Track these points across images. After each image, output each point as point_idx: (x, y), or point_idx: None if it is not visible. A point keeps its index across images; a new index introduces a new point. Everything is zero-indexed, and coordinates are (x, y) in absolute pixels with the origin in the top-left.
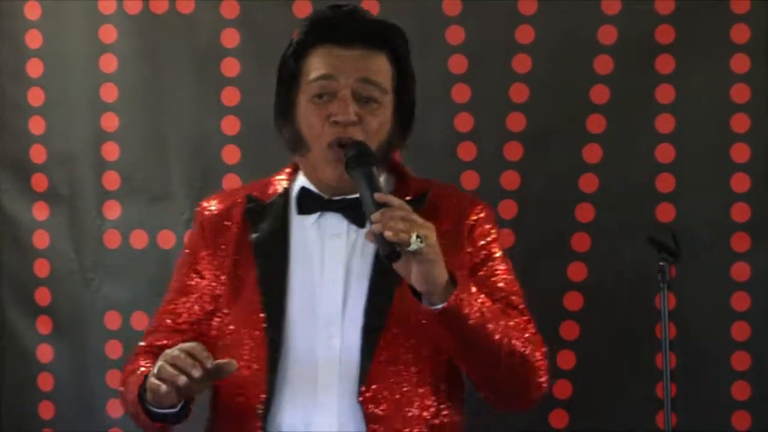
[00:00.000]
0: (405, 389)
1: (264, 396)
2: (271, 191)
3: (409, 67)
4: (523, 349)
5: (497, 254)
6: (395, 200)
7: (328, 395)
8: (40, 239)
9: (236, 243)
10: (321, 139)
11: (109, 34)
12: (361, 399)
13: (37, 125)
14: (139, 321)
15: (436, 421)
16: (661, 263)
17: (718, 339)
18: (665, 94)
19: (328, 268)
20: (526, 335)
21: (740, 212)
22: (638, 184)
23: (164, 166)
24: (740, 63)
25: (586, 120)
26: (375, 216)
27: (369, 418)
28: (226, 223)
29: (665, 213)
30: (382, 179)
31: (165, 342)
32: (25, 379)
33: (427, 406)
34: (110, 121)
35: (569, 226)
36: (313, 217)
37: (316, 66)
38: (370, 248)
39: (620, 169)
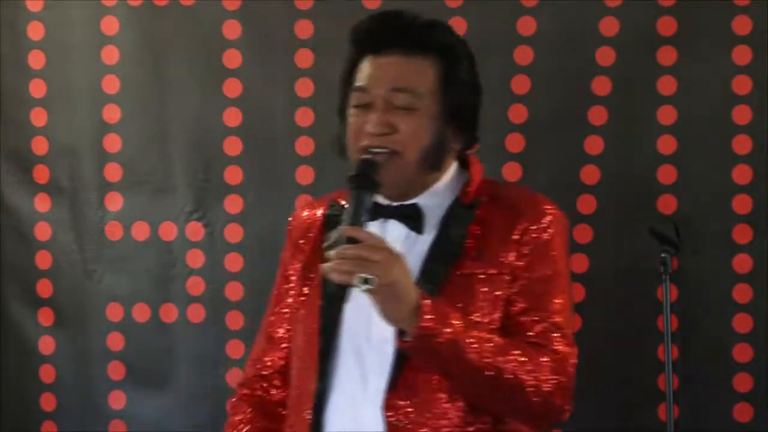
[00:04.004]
0: (436, 397)
1: (312, 404)
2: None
3: (459, 67)
4: (516, 374)
5: (546, 262)
6: (363, 234)
7: (377, 402)
8: (42, 231)
9: (312, 248)
10: (355, 145)
11: (111, 25)
12: (385, 408)
13: (38, 117)
14: (141, 313)
15: (472, 428)
16: (662, 255)
17: (720, 331)
18: (667, 85)
19: None
20: (538, 355)
21: (742, 204)
22: (640, 176)
23: (166, 158)
24: (742, 54)
25: (587, 111)
26: (330, 255)
27: (390, 427)
28: (309, 229)
29: (667, 205)
30: (448, 183)
31: (264, 380)
32: (26, 370)
33: (459, 412)
34: (112, 113)
35: (571, 217)
36: (377, 223)
37: (357, 77)
38: (422, 255)
39: (622, 160)
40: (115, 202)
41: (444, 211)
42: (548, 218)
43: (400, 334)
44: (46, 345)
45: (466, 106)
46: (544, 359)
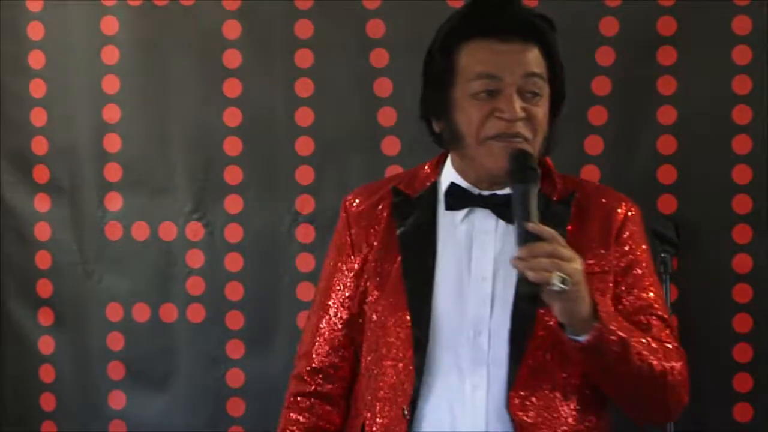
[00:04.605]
0: (552, 395)
1: (410, 398)
2: (418, 185)
3: (559, 57)
4: (663, 370)
5: (642, 259)
6: (546, 231)
7: (476, 397)
8: (42, 231)
9: (383, 237)
10: (481, 133)
11: (111, 25)
12: (509, 406)
13: (38, 117)
14: (141, 313)
15: (581, 426)
16: (662, 255)
17: (720, 331)
18: (667, 85)
19: (476, 265)
20: (668, 352)
21: (742, 204)
22: (640, 176)
23: (166, 158)
24: (742, 54)
25: (587, 111)
26: (521, 252)
27: (518, 426)
28: (373, 217)
29: (667, 205)
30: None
31: (318, 373)
32: (26, 370)
33: (573, 411)
34: (112, 113)
35: None
36: (462, 212)
37: (474, 62)
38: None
39: (622, 160)
40: (115, 202)
41: None
42: (635, 216)
43: (571, 333)
44: (46, 345)
45: (563, 95)
46: (676, 357)
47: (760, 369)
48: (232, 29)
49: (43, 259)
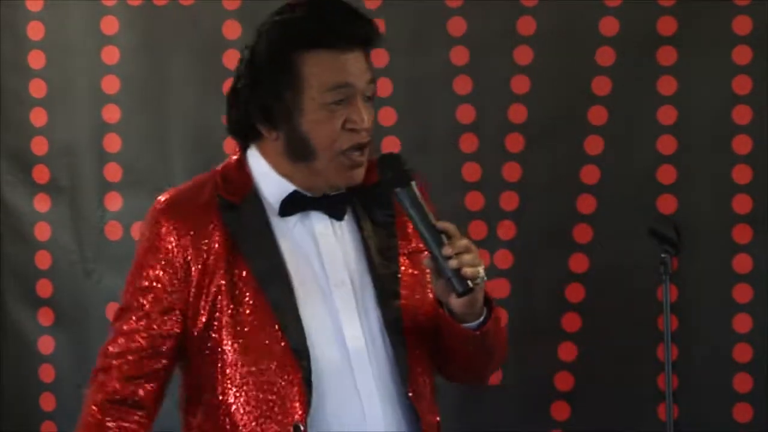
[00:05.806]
0: (425, 381)
1: (301, 412)
2: (240, 192)
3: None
4: (506, 336)
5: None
6: (451, 227)
7: (370, 397)
8: (42, 231)
9: (222, 250)
10: (335, 145)
11: (111, 25)
12: (413, 402)
13: (38, 117)
14: None
15: (436, 402)
16: (662, 255)
17: (720, 331)
18: (667, 85)
19: (330, 266)
20: None
21: (742, 204)
22: (640, 176)
23: (166, 158)
24: (742, 54)
25: (587, 111)
26: (447, 251)
27: (421, 418)
28: (201, 225)
29: (667, 204)
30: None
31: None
32: (26, 370)
33: (432, 390)
34: (112, 113)
35: (571, 217)
36: (294, 217)
37: (324, 72)
38: (358, 239)
39: (622, 160)
40: (114, 202)
41: (349, 196)
42: None
43: (462, 320)
44: (46, 345)
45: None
46: None
47: (760, 369)
48: (232, 29)
49: (43, 259)
